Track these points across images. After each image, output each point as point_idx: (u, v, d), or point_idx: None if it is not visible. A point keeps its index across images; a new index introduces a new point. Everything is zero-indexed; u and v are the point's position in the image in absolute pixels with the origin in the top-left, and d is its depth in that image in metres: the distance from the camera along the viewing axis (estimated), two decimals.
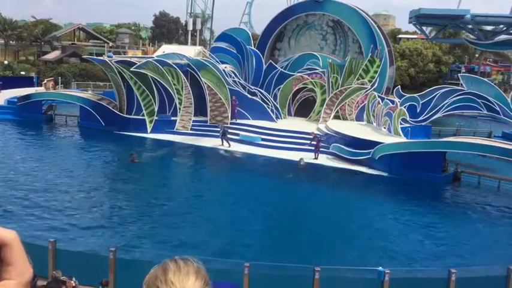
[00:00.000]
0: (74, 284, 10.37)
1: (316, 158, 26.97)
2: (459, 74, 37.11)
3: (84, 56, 45.03)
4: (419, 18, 38.16)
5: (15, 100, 36.16)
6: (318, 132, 28.65)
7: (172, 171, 25.94)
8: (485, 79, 35.85)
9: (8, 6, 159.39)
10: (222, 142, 29.44)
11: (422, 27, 42.87)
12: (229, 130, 30.58)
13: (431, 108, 29.07)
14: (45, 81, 42.67)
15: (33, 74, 49.47)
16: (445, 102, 28.70)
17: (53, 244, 12.43)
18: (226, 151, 28.79)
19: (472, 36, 42.25)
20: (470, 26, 38.04)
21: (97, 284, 11.11)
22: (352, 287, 11.75)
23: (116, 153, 27.74)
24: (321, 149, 27.25)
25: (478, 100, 27.83)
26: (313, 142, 27.26)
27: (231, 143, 29.34)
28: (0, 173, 22.92)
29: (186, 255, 1.42)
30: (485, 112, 28.74)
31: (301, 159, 26.36)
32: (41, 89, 40.41)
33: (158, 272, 1.35)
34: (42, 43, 60.43)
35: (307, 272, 11.73)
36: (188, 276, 1.32)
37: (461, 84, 29.91)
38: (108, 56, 34.83)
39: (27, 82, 45.36)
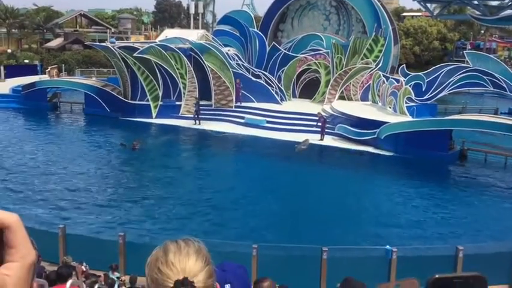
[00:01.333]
0: (84, 269, 10.50)
1: (321, 139, 26.94)
2: (464, 51, 36.70)
3: (87, 43, 44.85)
4: None
5: (20, 89, 36.22)
6: (324, 113, 28.54)
7: (175, 157, 25.90)
8: (491, 55, 35.47)
9: None
10: (196, 121, 30.25)
11: (427, 4, 42.25)
12: (234, 114, 30.65)
13: (437, 87, 28.87)
14: (48, 69, 42.65)
15: (36, 62, 49.41)
16: (451, 80, 28.48)
17: (62, 230, 12.58)
18: (223, 134, 28.79)
19: (477, 12, 41.68)
20: (475, 2, 37.46)
21: (107, 269, 11.25)
22: (360, 266, 11.82)
23: (120, 140, 27.66)
24: (326, 130, 27.20)
25: (484, 77, 27.60)
26: (318, 124, 27.20)
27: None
28: (6, 160, 23.11)
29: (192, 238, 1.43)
30: (492, 89, 28.51)
31: (306, 140, 26.33)
32: (45, 77, 40.41)
33: (159, 253, 1.36)
34: (45, 31, 60.21)
35: (315, 253, 11.82)
36: (188, 256, 1.33)
37: (467, 61, 29.63)
38: (111, 42, 34.72)
39: (31, 70, 45.35)
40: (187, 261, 1.32)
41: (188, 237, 1.40)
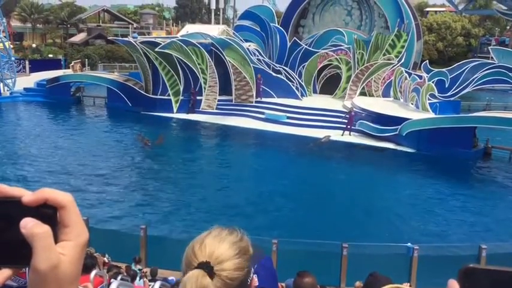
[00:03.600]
0: (106, 261, 10.66)
1: (343, 135, 26.84)
2: (489, 47, 36.01)
3: (110, 38, 45.40)
4: None
5: (44, 83, 36.84)
6: (345, 109, 28.32)
7: (195, 151, 25.85)
8: None
9: None
10: (192, 110, 31.08)
11: None
12: (254, 109, 30.69)
13: (461, 83, 28.41)
14: (72, 64, 43.30)
15: (60, 57, 50.21)
16: (475, 76, 27.98)
17: (85, 222, 12.76)
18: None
19: (503, 7, 40.83)
20: None
21: (130, 261, 11.39)
22: (380, 264, 11.73)
23: (140, 134, 27.69)
24: (348, 126, 27.05)
25: (509, 73, 27.04)
26: (346, 116, 27.07)
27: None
28: (30, 152, 23.57)
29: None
30: None
31: (325, 136, 26.26)
32: (69, 71, 41.04)
33: (204, 233, 1.40)
34: (69, 26, 61.13)
35: (335, 249, 11.78)
36: (222, 242, 1.35)
37: (492, 57, 29.08)
38: (133, 37, 35.04)
39: (55, 65, 46.13)
40: (218, 246, 1.34)
41: (236, 227, 1.43)
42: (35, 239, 0.74)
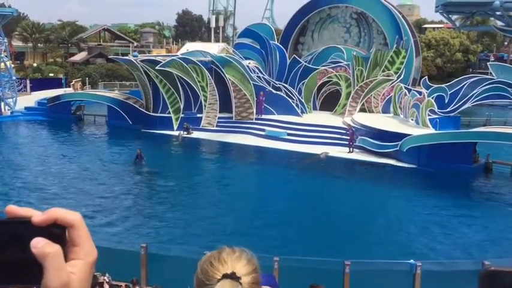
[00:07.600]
0: (107, 280, 10.57)
1: (352, 152, 26.71)
2: (488, 63, 36.19)
3: (110, 57, 45.73)
4: (446, 6, 37.34)
5: (45, 102, 37.00)
6: (353, 125, 28.32)
7: (196, 169, 25.86)
8: None
9: (34, 10, 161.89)
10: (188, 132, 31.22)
11: (449, 15, 41.90)
12: (255, 126, 30.77)
13: (460, 99, 28.49)
14: (73, 82, 43.54)
15: (61, 76, 50.47)
16: (474, 92, 28.08)
17: None
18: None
19: (500, 23, 41.17)
20: (499, 13, 37.03)
21: (128, 281, 11.29)
22: (383, 280, 11.64)
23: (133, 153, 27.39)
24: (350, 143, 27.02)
25: (509, 89, 27.15)
26: (348, 132, 27.06)
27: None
28: (30, 170, 23.55)
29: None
30: None
31: (323, 153, 26.29)
32: (70, 90, 41.25)
33: (214, 252, 1.45)
34: (69, 45, 61.58)
35: (337, 266, 11.69)
36: (240, 259, 1.41)
37: (491, 73, 29.22)
38: (134, 56, 35.28)
39: (56, 83, 46.34)
40: (237, 262, 1.41)
41: (243, 248, 1.49)
42: (46, 258, 0.74)
